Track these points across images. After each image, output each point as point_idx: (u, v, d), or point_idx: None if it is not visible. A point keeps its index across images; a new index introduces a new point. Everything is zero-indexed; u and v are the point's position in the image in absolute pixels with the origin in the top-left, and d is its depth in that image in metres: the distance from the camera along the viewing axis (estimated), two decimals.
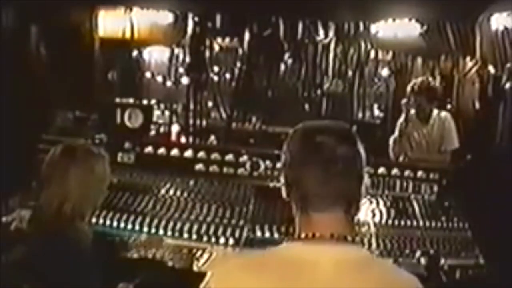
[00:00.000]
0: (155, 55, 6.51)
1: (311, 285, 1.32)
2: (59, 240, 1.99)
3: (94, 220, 3.25)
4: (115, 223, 3.24)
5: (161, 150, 3.84)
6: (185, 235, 3.18)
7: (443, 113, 4.59)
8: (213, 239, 3.14)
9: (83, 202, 2.11)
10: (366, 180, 1.41)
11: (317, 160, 1.38)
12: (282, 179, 1.47)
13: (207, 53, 6.05)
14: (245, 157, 3.76)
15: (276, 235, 3.16)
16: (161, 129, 5.96)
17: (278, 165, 3.60)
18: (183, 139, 5.62)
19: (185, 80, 5.96)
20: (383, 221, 3.38)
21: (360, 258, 1.40)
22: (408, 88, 4.55)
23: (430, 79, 4.83)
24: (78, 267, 1.98)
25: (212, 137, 5.60)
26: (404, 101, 4.57)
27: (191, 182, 3.64)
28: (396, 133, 4.60)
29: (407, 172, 3.66)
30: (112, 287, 2.46)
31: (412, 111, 4.54)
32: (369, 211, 3.45)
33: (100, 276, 2.06)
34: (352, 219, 1.43)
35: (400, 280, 1.42)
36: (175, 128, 5.88)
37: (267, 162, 3.74)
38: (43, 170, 2.13)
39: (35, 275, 1.93)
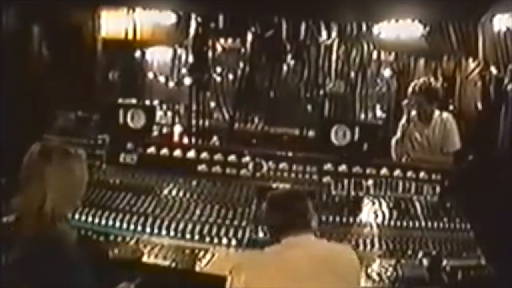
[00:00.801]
0: (158, 56, 6.48)
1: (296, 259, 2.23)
2: (42, 241, 1.98)
3: (96, 220, 3.27)
4: (117, 224, 3.25)
5: (164, 151, 3.85)
6: (188, 236, 3.19)
7: (445, 114, 4.58)
8: (215, 240, 3.16)
9: (63, 203, 2.09)
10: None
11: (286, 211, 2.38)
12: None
13: (210, 54, 6.04)
14: (247, 158, 3.77)
15: None
16: (164, 130, 5.95)
17: (281, 165, 3.66)
18: (185, 140, 5.62)
19: (187, 81, 5.94)
20: (386, 222, 3.39)
21: (312, 241, 2.34)
22: (409, 89, 4.55)
23: (431, 79, 4.81)
24: (63, 268, 1.97)
25: (215, 138, 5.60)
26: (405, 102, 4.57)
27: (194, 183, 3.65)
28: (398, 134, 4.60)
29: (409, 173, 3.67)
30: (113, 287, 2.47)
31: (414, 112, 4.54)
32: (371, 212, 3.45)
33: (96, 276, 2.06)
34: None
35: (339, 248, 2.50)
36: (177, 128, 5.88)
37: (270, 162, 3.75)
38: (22, 171, 2.11)
39: (27, 276, 1.93)
